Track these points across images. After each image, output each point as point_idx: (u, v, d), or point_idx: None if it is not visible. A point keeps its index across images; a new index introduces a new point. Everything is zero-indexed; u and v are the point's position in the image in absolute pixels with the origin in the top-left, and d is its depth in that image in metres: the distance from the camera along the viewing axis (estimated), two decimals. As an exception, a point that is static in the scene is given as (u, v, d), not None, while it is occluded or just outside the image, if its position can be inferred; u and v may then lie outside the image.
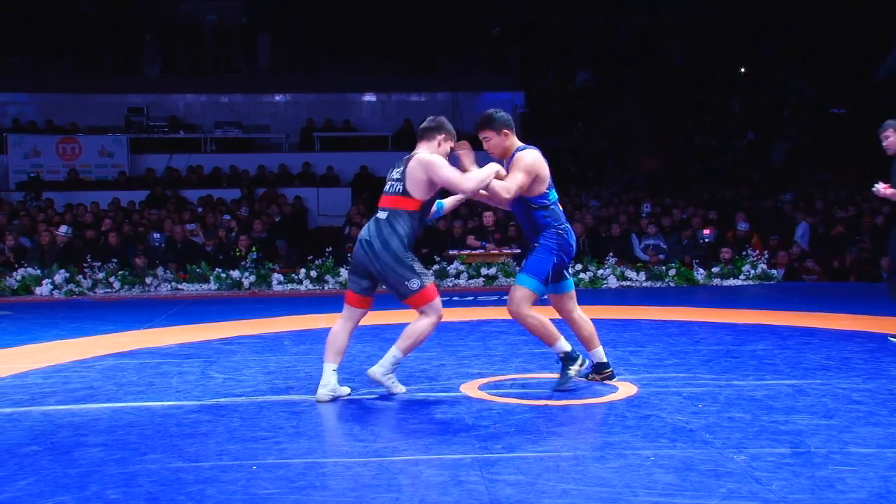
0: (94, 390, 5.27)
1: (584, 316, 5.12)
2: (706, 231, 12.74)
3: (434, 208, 5.01)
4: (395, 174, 4.82)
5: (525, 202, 4.89)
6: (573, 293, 5.08)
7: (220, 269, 11.65)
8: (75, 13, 20.25)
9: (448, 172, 4.67)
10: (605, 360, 5.18)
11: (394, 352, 4.79)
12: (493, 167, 4.80)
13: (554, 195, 4.97)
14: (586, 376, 5.22)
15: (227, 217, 13.98)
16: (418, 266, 4.73)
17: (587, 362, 5.05)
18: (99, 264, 11.65)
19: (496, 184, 4.73)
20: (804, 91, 20.11)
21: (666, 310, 8.74)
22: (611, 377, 5.16)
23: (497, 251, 12.01)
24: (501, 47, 20.93)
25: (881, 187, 6.61)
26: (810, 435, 3.98)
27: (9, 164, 16.96)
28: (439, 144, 4.83)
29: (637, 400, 4.74)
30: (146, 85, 19.68)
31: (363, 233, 4.79)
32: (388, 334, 7.10)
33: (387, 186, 4.84)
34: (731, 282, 11.41)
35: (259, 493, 3.32)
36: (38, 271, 11.46)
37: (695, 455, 3.69)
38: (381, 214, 4.77)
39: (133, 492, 3.36)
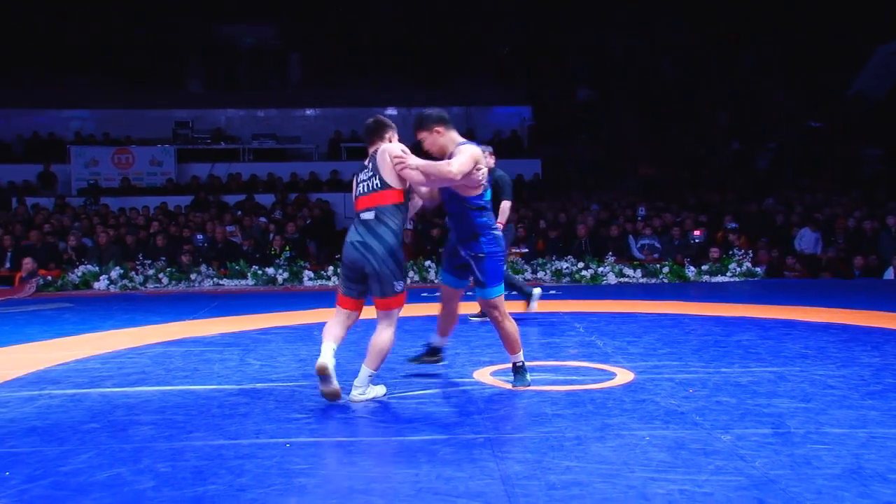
0: (146, 374, 5.30)
1: (456, 314, 4.96)
2: (696, 232, 12.69)
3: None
4: (364, 175, 4.45)
5: (463, 204, 4.52)
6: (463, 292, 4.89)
7: (256, 267, 11.70)
8: (129, 38, 20.43)
9: (397, 149, 4.38)
10: (442, 346, 5.07)
11: (366, 371, 4.38)
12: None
13: (488, 195, 4.62)
14: (418, 358, 5.09)
15: (262, 220, 14.03)
16: (403, 269, 4.39)
17: (529, 382, 4.73)
18: (149, 262, 11.73)
19: (441, 163, 4.35)
20: (784, 105, 19.97)
21: (660, 304, 8.71)
22: (437, 362, 5.08)
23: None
24: (510, 66, 20.91)
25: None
26: (790, 417, 3.96)
27: (71, 172, 17.15)
28: (391, 139, 4.55)
29: (634, 385, 4.72)
30: (191, 101, 19.79)
31: (352, 236, 4.38)
32: (409, 326, 7.12)
33: (359, 189, 4.45)
34: (719, 278, 11.35)
35: (292, 468, 3.33)
36: (97, 268, 11.56)
37: (686, 435, 3.68)
38: (367, 215, 4.36)
39: (180, 465, 3.38)
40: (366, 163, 4.51)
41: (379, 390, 4.50)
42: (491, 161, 6.99)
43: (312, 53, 20.56)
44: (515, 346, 4.72)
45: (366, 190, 4.41)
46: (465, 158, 4.33)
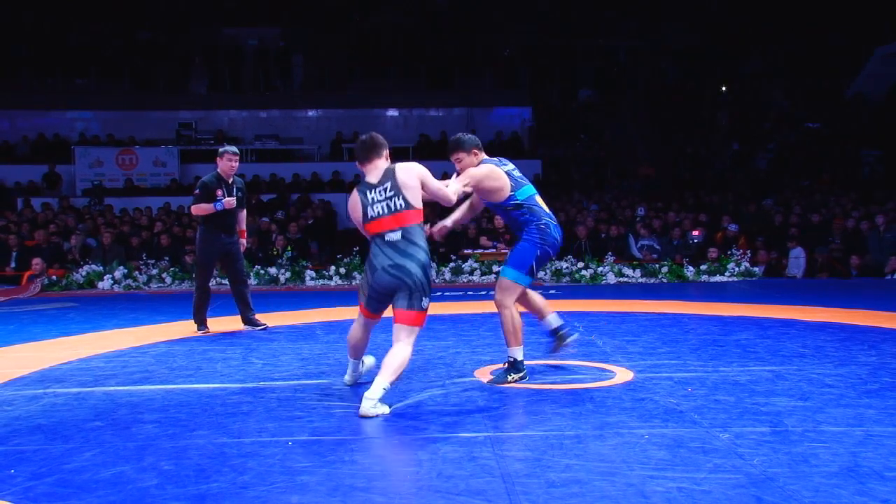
0: (149, 373, 5.31)
1: (535, 301, 5.00)
2: (695, 232, 12.69)
3: None
4: (380, 195, 4.27)
5: (500, 208, 4.76)
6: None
7: (259, 266, 11.71)
8: (133, 40, 20.46)
9: (434, 181, 4.41)
10: (559, 322, 5.06)
11: (382, 384, 4.11)
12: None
13: (524, 193, 4.70)
14: (554, 349, 5.08)
15: (265, 219, 14.04)
16: (430, 287, 4.38)
17: (526, 377, 4.75)
18: (153, 262, 11.74)
19: (441, 192, 4.50)
20: (783, 107, 19.98)
21: (659, 303, 8.71)
22: (568, 335, 5.05)
23: (507, 250, 12.00)
24: (512, 67, 20.92)
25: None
26: (788, 415, 3.95)
27: (75, 173, 17.18)
28: (388, 158, 4.44)
29: (633, 384, 4.72)
30: (195, 102, 19.82)
31: (381, 261, 4.25)
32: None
33: (375, 210, 4.26)
34: (718, 278, 11.34)
35: (294, 467, 3.33)
36: (101, 268, 11.57)
37: (685, 434, 3.68)
38: (394, 236, 4.24)
39: (183, 463, 3.39)
40: (374, 181, 4.32)
41: (384, 409, 4.13)
42: (234, 165, 7.13)
43: (315, 55, 20.58)
44: (512, 339, 4.71)
45: (386, 210, 4.25)
46: (458, 186, 4.59)
